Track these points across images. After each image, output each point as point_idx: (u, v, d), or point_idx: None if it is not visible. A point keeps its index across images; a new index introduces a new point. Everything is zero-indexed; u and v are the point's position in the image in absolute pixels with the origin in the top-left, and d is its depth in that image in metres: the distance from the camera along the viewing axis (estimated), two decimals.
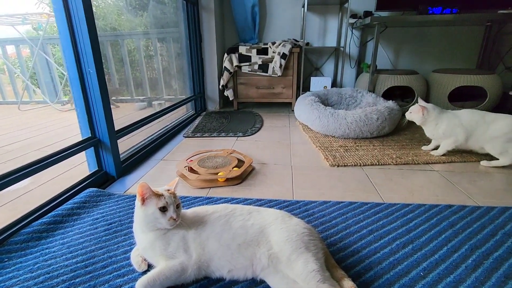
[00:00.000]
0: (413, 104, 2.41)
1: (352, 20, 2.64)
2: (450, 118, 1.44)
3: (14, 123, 2.59)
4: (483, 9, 2.30)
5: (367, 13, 2.50)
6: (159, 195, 0.69)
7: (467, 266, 0.73)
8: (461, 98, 2.41)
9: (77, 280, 0.70)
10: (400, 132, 1.91)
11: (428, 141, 1.60)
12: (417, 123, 1.54)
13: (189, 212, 0.77)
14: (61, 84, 3.63)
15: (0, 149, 1.81)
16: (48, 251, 0.80)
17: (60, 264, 0.75)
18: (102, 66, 1.19)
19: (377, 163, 1.42)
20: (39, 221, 0.92)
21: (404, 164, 1.42)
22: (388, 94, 2.44)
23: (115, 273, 0.72)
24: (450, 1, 2.23)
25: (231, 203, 1.05)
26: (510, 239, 0.83)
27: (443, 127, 1.44)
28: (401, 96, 2.63)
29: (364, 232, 0.88)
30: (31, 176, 0.95)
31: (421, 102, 1.52)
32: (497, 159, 1.36)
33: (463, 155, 1.49)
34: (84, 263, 0.75)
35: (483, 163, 1.39)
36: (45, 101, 3.36)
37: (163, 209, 0.68)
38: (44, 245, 0.83)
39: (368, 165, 1.41)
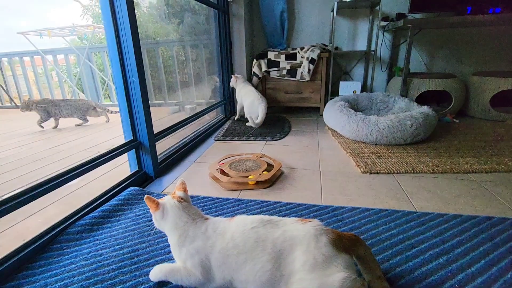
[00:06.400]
0: (450, 109, 2.30)
1: (383, 23, 2.58)
2: None
3: (64, 125, 2.85)
4: None
5: (400, 15, 2.44)
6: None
7: (506, 281, 0.70)
8: (505, 103, 2.25)
9: (124, 269, 0.78)
10: (436, 139, 1.83)
11: (470, 149, 1.52)
12: None
13: (218, 227, 0.71)
14: (102, 89, 3.94)
15: (55, 149, 2.02)
16: (99, 242, 0.89)
17: (110, 255, 0.83)
18: (144, 75, 1.30)
19: (412, 171, 1.38)
20: (90, 215, 1.02)
21: (441, 172, 1.37)
22: (422, 99, 2.35)
23: None
24: (492, 0, 2.10)
25: (261, 206, 1.10)
26: None
27: None
28: (437, 100, 2.51)
29: (395, 240, 0.87)
30: (84, 174, 1.06)
31: None
32: None
33: (508, 164, 1.40)
34: (129, 254, 0.84)
35: None
36: None
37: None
38: (95, 236, 0.93)
39: (402, 172, 1.38)
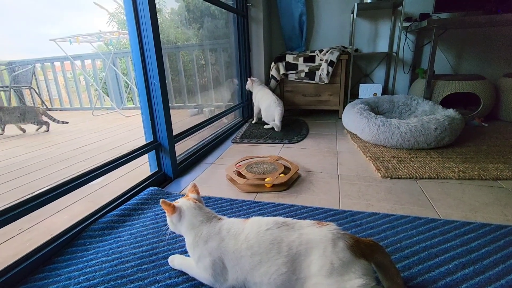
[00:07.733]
0: (478, 113, 2.19)
1: (406, 24, 2.50)
2: None
3: (89, 127, 3.00)
4: None
5: (424, 15, 2.35)
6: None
7: None
8: None
9: (143, 267, 0.80)
10: (463, 143, 1.74)
11: (500, 155, 1.44)
12: None
13: (230, 230, 0.71)
14: (125, 93, 4.10)
15: (80, 149, 2.12)
16: (119, 239, 0.93)
17: (129, 252, 0.86)
18: (164, 79, 1.34)
19: (436, 177, 1.32)
20: (112, 213, 1.06)
21: (468, 179, 1.30)
22: (448, 102, 2.25)
23: None
24: None
25: (278, 209, 1.09)
26: None
27: None
28: (465, 103, 2.40)
29: (417, 248, 0.84)
30: (107, 174, 1.11)
31: None
32: None
33: None
34: (148, 252, 0.86)
35: None
36: (113, 107, 3.80)
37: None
38: (116, 234, 0.96)
39: (425, 178, 1.32)
